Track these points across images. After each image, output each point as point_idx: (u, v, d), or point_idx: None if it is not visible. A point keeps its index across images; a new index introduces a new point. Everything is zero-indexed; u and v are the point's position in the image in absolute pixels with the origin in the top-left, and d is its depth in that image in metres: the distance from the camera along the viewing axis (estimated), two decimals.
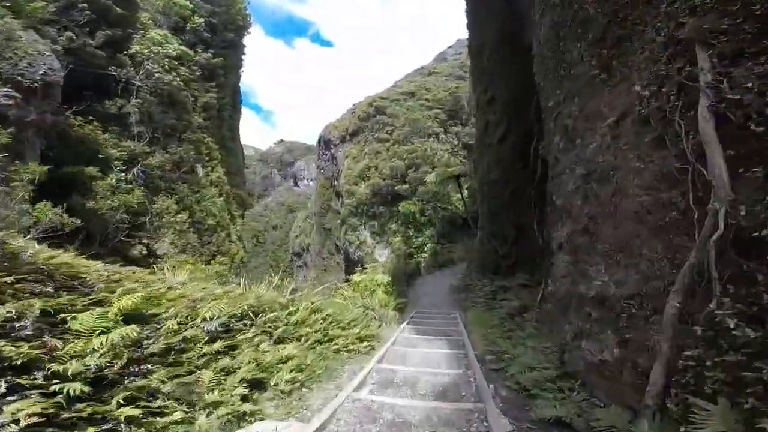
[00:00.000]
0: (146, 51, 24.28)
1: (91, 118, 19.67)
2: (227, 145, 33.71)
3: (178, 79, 25.62)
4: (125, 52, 22.89)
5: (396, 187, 35.90)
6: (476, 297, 14.56)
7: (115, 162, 20.44)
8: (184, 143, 25.69)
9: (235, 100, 39.88)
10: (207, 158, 28.51)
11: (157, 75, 23.99)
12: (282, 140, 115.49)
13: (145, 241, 20.20)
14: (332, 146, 52.69)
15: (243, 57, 40.01)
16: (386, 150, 39.63)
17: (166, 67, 25.00)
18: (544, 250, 10.42)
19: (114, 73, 21.39)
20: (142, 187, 21.29)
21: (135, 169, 21.65)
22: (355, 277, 14.42)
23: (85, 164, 18.82)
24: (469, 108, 43.14)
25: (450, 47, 68.16)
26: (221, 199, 27.97)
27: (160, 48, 25.03)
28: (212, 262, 24.34)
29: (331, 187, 51.57)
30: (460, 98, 44.12)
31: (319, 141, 57.78)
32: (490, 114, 15.86)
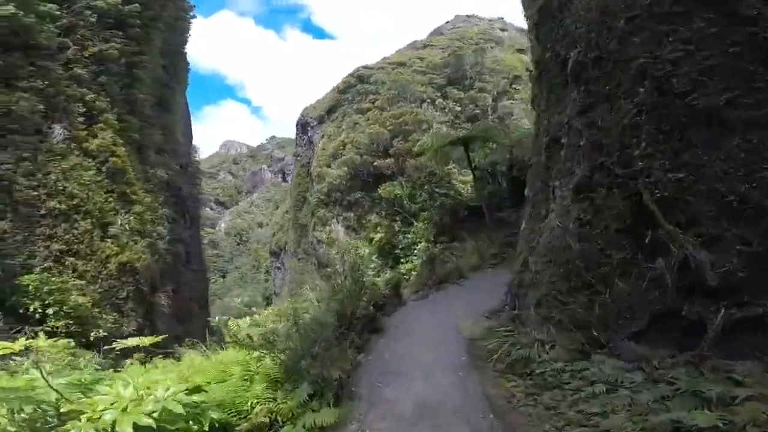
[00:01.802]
0: None
1: None
2: (142, 111, 22.24)
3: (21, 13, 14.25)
4: None
5: (376, 163, 24.57)
6: None
7: None
8: (19, 92, 14.23)
9: (176, 65, 28.53)
10: (81, 119, 17.10)
11: None
12: (273, 136, 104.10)
13: None
14: (309, 129, 41.61)
15: (188, 16, 28.74)
16: (366, 120, 28.28)
17: None
18: None
19: None
20: None
21: None
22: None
23: None
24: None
25: (447, 22, 56.65)
26: (92, 173, 16.50)
27: None
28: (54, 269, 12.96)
29: (308, 175, 40.20)
30: (462, 58, 32.66)
31: (296, 125, 46.51)
32: None
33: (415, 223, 24.59)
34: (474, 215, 21.11)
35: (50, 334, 12.15)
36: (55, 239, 14.25)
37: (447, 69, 32.67)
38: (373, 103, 30.10)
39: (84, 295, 14.02)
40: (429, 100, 28.69)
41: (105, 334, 13.41)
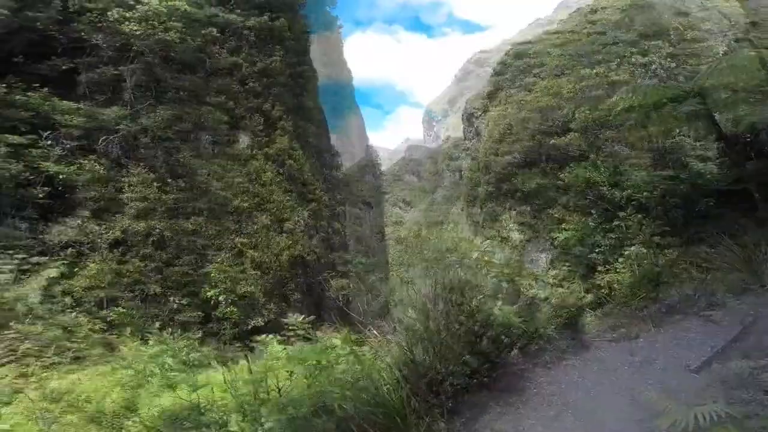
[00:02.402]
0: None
1: (36, 85, 12.62)
2: (316, 117, 24.02)
3: (193, 40, 16.72)
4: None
5: (553, 142, 19.05)
6: None
7: (68, 128, 12.78)
8: (206, 107, 16.64)
9: (338, 74, 30.49)
10: (260, 127, 19.13)
11: (160, 36, 15.40)
12: (449, 137, 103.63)
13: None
14: (474, 119, 38.26)
15: (335, 27, 30.34)
16: (534, 95, 22.80)
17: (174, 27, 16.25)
18: None
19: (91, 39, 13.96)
20: (96, 158, 13.12)
21: (113, 138, 13.62)
22: None
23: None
24: None
25: None
26: (270, 174, 17.98)
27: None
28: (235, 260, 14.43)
29: (478, 169, 36.67)
30: (654, 8, 22.66)
31: (462, 118, 43.78)
32: None
33: (623, 218, 17.72)
34: (725, 205, 13.28)
35: (220, 320, 13.38)
36: (239, 234, 15.96)
37: (634, 24, 23.19)
38: (539, 75, 24.24)
39: (257, 284, 15.16)
40: (619, 59, 20.72)
41: (262, 323, 13.96)
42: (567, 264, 19.03)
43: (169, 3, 15.10)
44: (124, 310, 10.78)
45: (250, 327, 13.06)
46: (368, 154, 42.53)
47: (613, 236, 17.05)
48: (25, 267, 10.98)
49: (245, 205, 16.38)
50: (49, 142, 12.30)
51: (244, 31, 19.48)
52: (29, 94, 12.52)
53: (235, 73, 18.50)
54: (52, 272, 11.32)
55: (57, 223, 11.81)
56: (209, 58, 17.37)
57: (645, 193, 17.69)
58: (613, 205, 18.00)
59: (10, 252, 11.03)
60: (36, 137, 12.21)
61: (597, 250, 17.33)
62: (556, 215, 20.10)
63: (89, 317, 10.37)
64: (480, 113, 36.71)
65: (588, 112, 17.79)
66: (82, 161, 12.79)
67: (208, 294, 13.20)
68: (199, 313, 12.27)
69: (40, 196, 11.73)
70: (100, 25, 14.24)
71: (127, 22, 14.23)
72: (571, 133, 18.14)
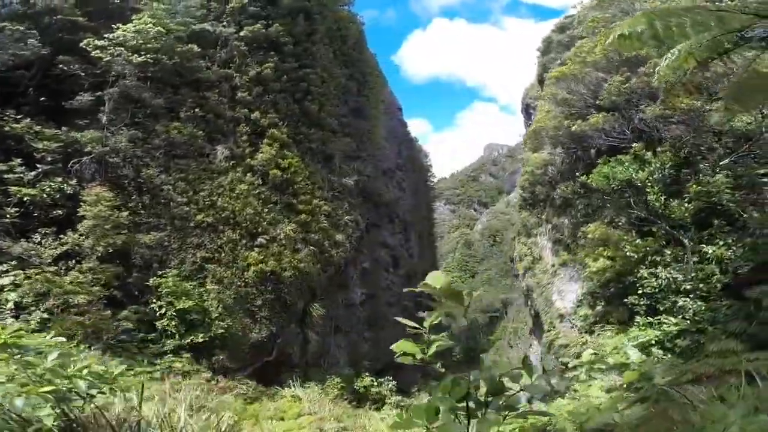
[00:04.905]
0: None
1: (20, 116, 13.55)
2: (325, 121, 22.28)
3: (170, 58, 16.16)
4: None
5: (575, 128, 13.86)
6: None
7: (50, 154, 13.42)
8: (178, 122, 16.05)
9: (364, 74, 27.96)
10: (244, 137, 18.16)
11: (132, 59, 15.06)
12: None
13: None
14: (531, 110, 32.25)
15: (353, 25, 27.59)
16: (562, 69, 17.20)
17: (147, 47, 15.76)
18: None
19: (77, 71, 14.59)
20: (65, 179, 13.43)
21: (84, 159, 14.02)
22: None
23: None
24: None
25: None
26: (244, 186, 16.82)
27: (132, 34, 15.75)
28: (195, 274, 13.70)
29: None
30: None
31: (521, 111, 37.62)
32: None
33: (687, 244, 11.82)
34: None
35: (164, 334, 12.62)
36: (202, 248, 15.16)
37: None
38: (580, 48, 18.56)
39: (213, 300, 14.12)
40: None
41: (204, 339, 12.72)
42: (602, 302, 13.69)
43: (139, 27, 15.01)
44: (51, 317, 10.72)
45: (186, 342, 12.07)
46: (405, 153, 39.60)
47: (665, 275, 11.20)
48: None
49: (209, 219, 15.52)
50: (23, 167, 12.98)
51: (235, 42, 18.80)
52: (13, 125, 13.46)
53: (222, 85, 17.89)
54: (6, 281, 11.93)
55: (24, 239, 12.35)
56: (192, 73, 17.03)
57: (730, 205, 11.61)
58: (671, 222, 12.14)
59: None
60: (14, 164, 13.03)
61: (641, 291, 11.65)
62: (591, 234, 14.56)
63: (21, 321, 10.45)
64: (536, 103, 30.86)
65: (620, 82, 12.08)
66: (51, 183, 13.23)
67: (153, 306, 12.65)
68: (136, 324, 11.70)
69: (8, 216, 12.41)
70: (82, 56, 14.81)
71: (98, 51, 14.51)
72: (596, 114, 12.67)
